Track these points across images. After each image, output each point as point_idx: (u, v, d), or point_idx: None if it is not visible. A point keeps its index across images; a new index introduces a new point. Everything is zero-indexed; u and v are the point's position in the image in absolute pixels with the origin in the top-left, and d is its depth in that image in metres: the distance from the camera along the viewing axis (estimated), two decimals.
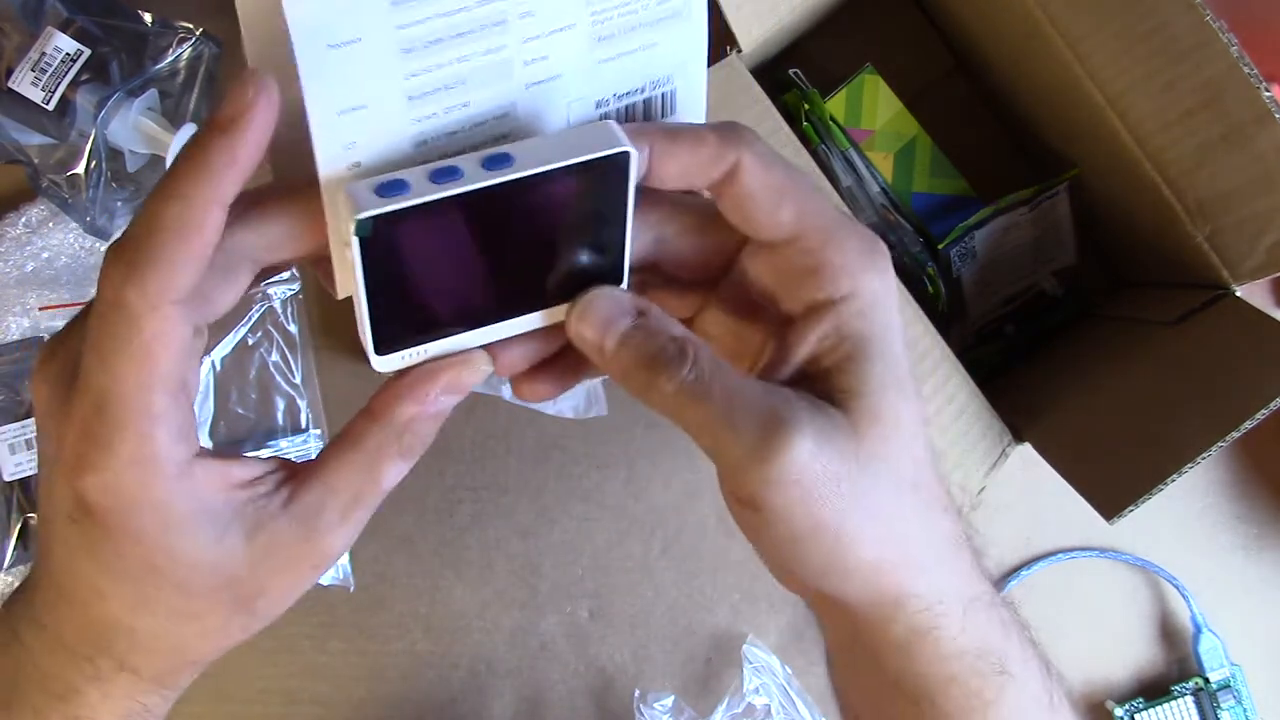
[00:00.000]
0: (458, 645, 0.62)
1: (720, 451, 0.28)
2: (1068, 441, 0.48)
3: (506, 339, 0.31)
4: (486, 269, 0.29)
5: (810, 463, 0.28)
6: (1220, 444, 0.41)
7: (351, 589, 0.60)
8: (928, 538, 0.30)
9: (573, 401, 0.56)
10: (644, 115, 0.31)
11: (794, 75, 0.57)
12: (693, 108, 0.32)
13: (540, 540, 0.62)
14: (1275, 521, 0.63)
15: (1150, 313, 0.53)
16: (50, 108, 0.54)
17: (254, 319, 0.61)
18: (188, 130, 0.56)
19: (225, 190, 0.25)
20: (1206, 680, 0.61)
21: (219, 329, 0.59)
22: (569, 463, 0.62)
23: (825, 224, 0.30)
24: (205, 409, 0.60)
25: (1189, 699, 0.61)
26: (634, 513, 0.62)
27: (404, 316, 0.29)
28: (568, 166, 0.27)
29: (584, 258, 0.30)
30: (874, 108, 0.58)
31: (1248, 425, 0.41)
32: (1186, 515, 0.63)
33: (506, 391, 0.55)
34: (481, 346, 0.31)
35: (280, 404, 0.61)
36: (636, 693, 0.60)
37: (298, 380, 0.61)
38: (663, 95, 0.31)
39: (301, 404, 0.61)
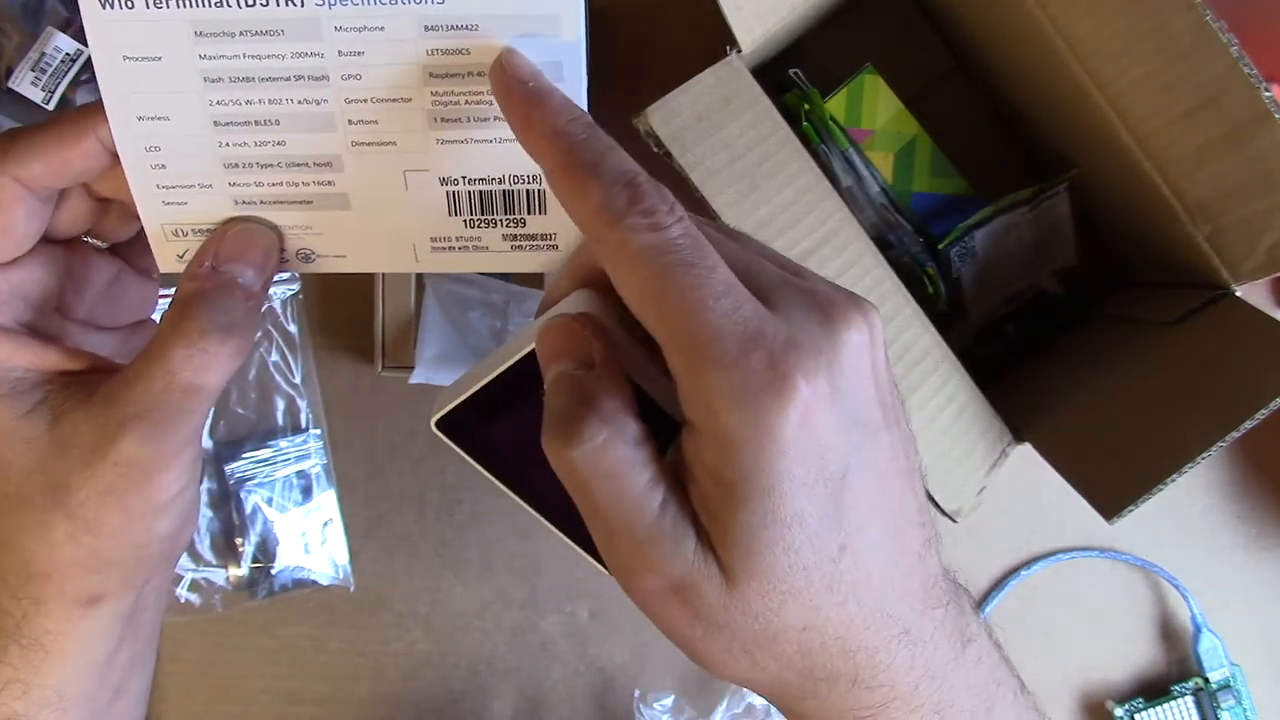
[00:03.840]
0: (458, 645, 0.62)
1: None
2: (1068, 441, 0.48)
3: None
4: None
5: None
6: (1220, 444, 0.41)
7: (351, 589, 0.60)
8: None
9: None
10: (504, 207, 0.31)
11: (794, 75, 0.57)
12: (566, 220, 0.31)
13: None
14: (1275, 521, 0.63)
15: (1150, 313, 0.53)
16: (50, 108, 0.54)
17: None
18: None
19: (102, 128, 0.30)
20: (1206, 680, 0.61)
21: None
22: None
23: None
24: None
25: (1189, 699, 0.61)
26: None
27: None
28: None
29: None
30: (874, 108, 0.58)
31: (1248, 425, 0.41)
32: (1186, 515, 0.63)
33: None
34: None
35: (280, 404, 0.61)
36: (636, 693, 0.60)
37: (298, 380, 0.61)
38: (529, 193, 0.31)
39: (301, 404, 0.61)
